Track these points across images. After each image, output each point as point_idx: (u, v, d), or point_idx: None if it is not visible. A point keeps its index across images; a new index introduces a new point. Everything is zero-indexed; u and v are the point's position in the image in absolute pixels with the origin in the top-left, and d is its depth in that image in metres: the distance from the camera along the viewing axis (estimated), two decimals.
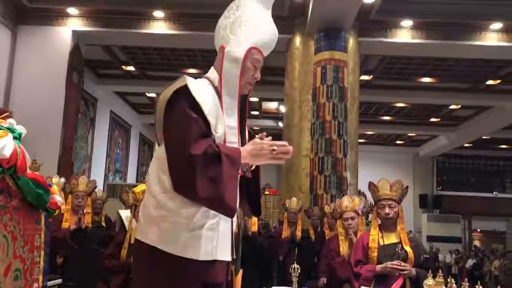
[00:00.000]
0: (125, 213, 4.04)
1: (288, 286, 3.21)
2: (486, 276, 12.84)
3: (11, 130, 1.67)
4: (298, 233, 5.66)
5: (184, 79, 1.67)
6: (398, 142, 18.82)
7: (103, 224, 5.42)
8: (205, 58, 9.92)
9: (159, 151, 1.71)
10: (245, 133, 1.89)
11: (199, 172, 1.57)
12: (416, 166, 19.64)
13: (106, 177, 13.04)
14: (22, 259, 1.76)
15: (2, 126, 1.64)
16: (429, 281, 2.27)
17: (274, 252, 5.58)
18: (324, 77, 7.35)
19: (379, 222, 3.30)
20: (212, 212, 1.67)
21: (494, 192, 19.49)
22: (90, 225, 4.42)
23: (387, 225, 3.26)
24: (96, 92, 12.21)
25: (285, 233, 5.72)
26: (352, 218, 4.19)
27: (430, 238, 17.38)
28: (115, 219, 5.25)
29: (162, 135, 1.69)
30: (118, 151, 14.15)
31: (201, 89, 1.69)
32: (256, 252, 5.00)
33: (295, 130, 8.18)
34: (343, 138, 7.25)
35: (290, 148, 1.70)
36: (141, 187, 3.39)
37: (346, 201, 4.30)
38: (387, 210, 3.23)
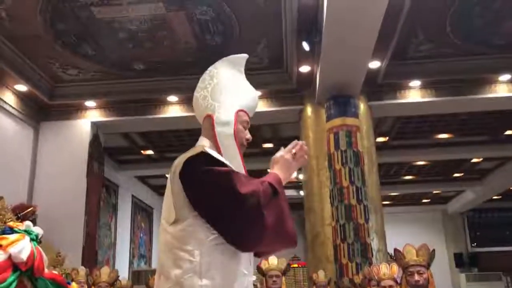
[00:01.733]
0: None
1: None
2: None
3: (28, 232, 1.70)
4: None
5: (200, 147, 1.68)
6: (424, 200, 18.41)
7: None
8: None
9: (175, 229, 1.61)
10: None
11: (267, 214, 1.55)
12: (447, 224, 19.03)
13: (131, 263, 12.92)
14: None
15: (20, 230, 1.68)
16: None
17: None
18: (337, 143, 7.39)
19: None
20: (247, 281, 1.64)
21: None
22: None
23: None
24: (117, 178, 12.43)
25: None
26: (390, 287, 4.04)
27: None
28: None
29: (185, 209, 1.60)
30: (141, 235, 14.11)
31: (214, 153, 1.68)
32: None
33: (316, 199, 8.10)
34: (363, 203, 7.14)
35: (301, 142, 1.79)
36: None
37: (384, 269, 4.16)
38: (416, 277, 3.12)
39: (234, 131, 1.77)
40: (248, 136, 1.85)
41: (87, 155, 8.70)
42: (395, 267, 4.12)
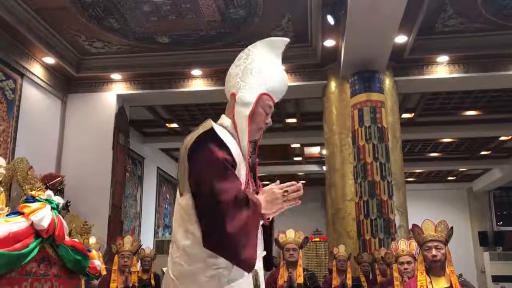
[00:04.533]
0: None
1: None
2: None
3: (49, 201, 1.77)
4: (349, 282, 5.51)
5: (210, 123, 1.70)
6: (449, 178, 18.16)
7: (152, 281, 5.47)
8: None
9: (183, 201, 1.66)
10: (257, 179, 1.87)
11: (229, 218, 1.51)
12: (472, 202, 18.78)
13: (155, 233, 13.24)
14: None
15: (41, 199, 1.74)
16: None
17: None
18: (362, 119, 7.32)
19: (426, 266, 3.18)
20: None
21: None
22: (137, 284, 4.48)
23: (435, 268, 3.14)
24: (143, 150, 12.64)
25: (335, 282, 5.59)
26: (409, 263, 4.06)
27: (496, 279, 16.27)
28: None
29: (187, 182, 1.65)
30: (166, 206, 14.41)
31: (223, 132, 1.71)
32: None
33: (337, 174, 8.09)
34: (387, 179, 7.10)
35: (300, 184, 1.66)
36: None
37: (402, 245, 4.19)
38: (434, 252, 3.13)
39: (250, 113, 1.76)
40: (268, 121, 1.82)
41: (113, 127, 8.85)
42: (413, 243, 4.12)
